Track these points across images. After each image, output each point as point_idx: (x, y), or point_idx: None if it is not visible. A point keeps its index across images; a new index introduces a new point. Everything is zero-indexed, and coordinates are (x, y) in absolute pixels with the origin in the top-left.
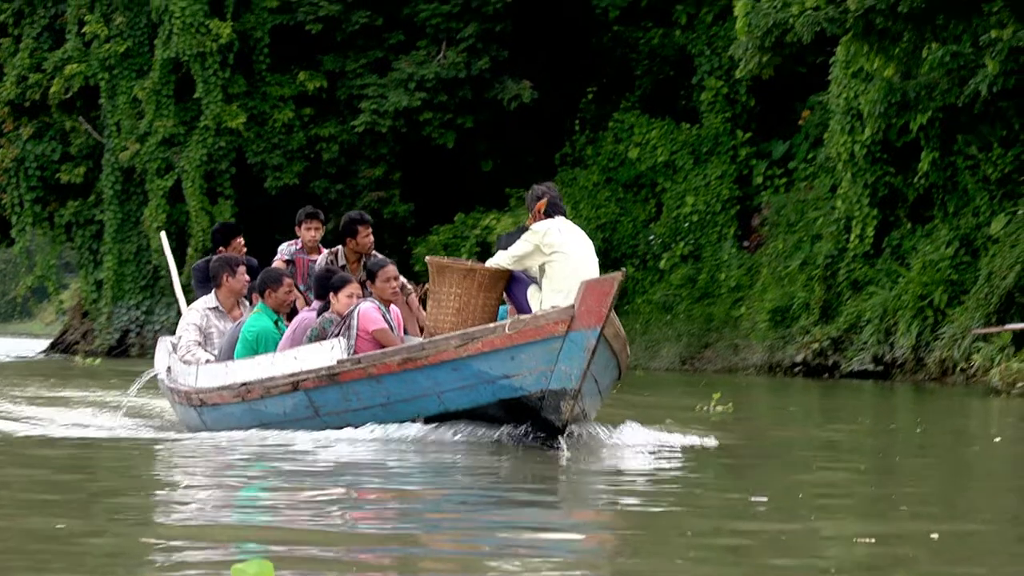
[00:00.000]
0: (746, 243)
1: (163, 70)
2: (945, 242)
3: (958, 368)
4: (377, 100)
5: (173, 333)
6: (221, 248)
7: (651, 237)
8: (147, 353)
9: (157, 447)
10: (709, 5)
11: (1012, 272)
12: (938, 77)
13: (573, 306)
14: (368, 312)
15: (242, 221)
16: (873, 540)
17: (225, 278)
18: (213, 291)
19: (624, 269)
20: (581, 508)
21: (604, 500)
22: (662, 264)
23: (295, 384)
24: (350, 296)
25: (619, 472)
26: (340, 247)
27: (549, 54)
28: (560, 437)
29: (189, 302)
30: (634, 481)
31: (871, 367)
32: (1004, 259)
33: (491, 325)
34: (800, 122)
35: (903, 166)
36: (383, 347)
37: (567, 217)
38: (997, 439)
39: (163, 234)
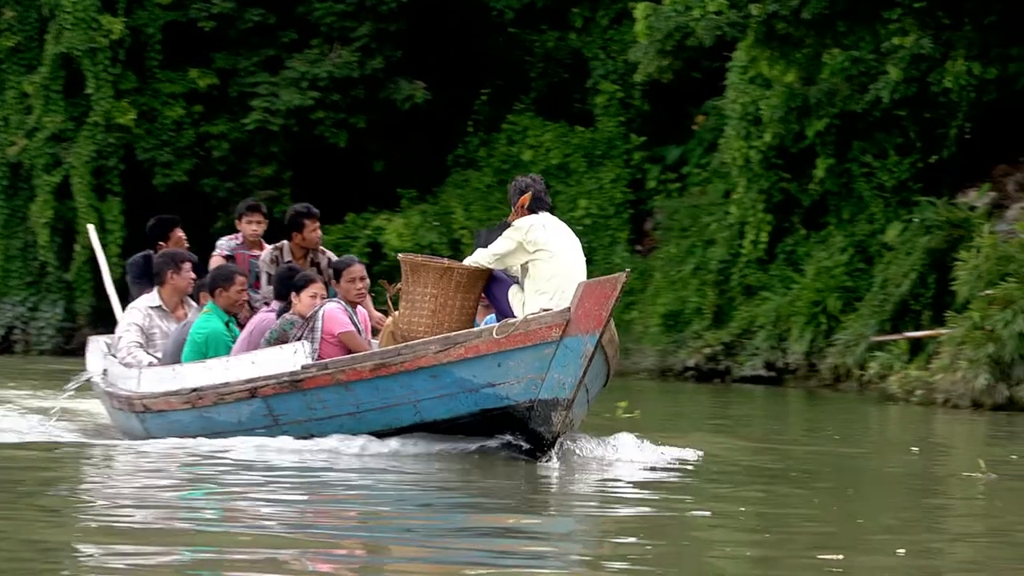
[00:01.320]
0: (639, 247)
1: (53, 65)
2: (839, 249)
3: (851, 375)
4: (269, 98)
5: (58, 331)
6: (160, 243)
7: None
8: (32, 350)
9: (93, 453)
10: (605, 9)
11: (907, 280)
12: (839, 83)
13: (569, 309)
14: (334, 313)
15: (130, 219)
16: (841, 557)
17: (169, 275)
18: (156, 289)
19: (628, 270)
20: (567, 525)
21: (590, 515)
22: None
23: (253, 391)
24: (313, 296)
25: (605, 485)
26: (285, 242)
27: (443, 55)
28: (550, 451)
29: (123, 301)
30: (618, 494)
31: (764, 373)
32: (899, 267)
33: (476, 329)
34: (694, 127)
35: (798, 172)
36: (349, 351)
37: (554, 213)
38: (914, 449)
39: (91, 227)
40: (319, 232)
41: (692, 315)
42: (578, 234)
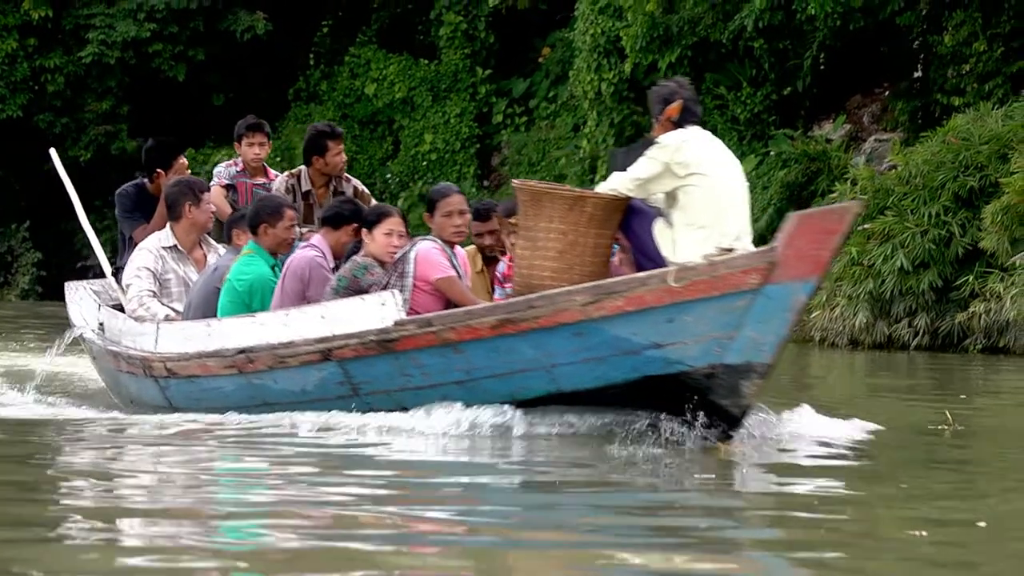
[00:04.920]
0: (486, 182)
1: None
2: None
3: None
4: (105, 30)
5: None
6: (159, 171)
7: (388, 175)
8: None
9: (102, 430)
10: None
11: (764, 215)
12: (702, 12)
13: (774, 249)
14: (429, 255)
15: None
16: (924, 534)
17: (187, 208)
18: (168, 225)
19: (860, 199)
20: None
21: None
22: (400, 203)
23: (326, 352)
24: (389, 233)
25: (796, 472)
26: (303, 168)
27: None
28: (735, 430)
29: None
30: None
31: None
32: (756, 201)
33: (641, 275)
34: (540, 60)
35: None
36: (449, 302)
37: (706, 127)
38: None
39: (53, 151)
40: (344, 156)
41: None
42: (423, 170)
